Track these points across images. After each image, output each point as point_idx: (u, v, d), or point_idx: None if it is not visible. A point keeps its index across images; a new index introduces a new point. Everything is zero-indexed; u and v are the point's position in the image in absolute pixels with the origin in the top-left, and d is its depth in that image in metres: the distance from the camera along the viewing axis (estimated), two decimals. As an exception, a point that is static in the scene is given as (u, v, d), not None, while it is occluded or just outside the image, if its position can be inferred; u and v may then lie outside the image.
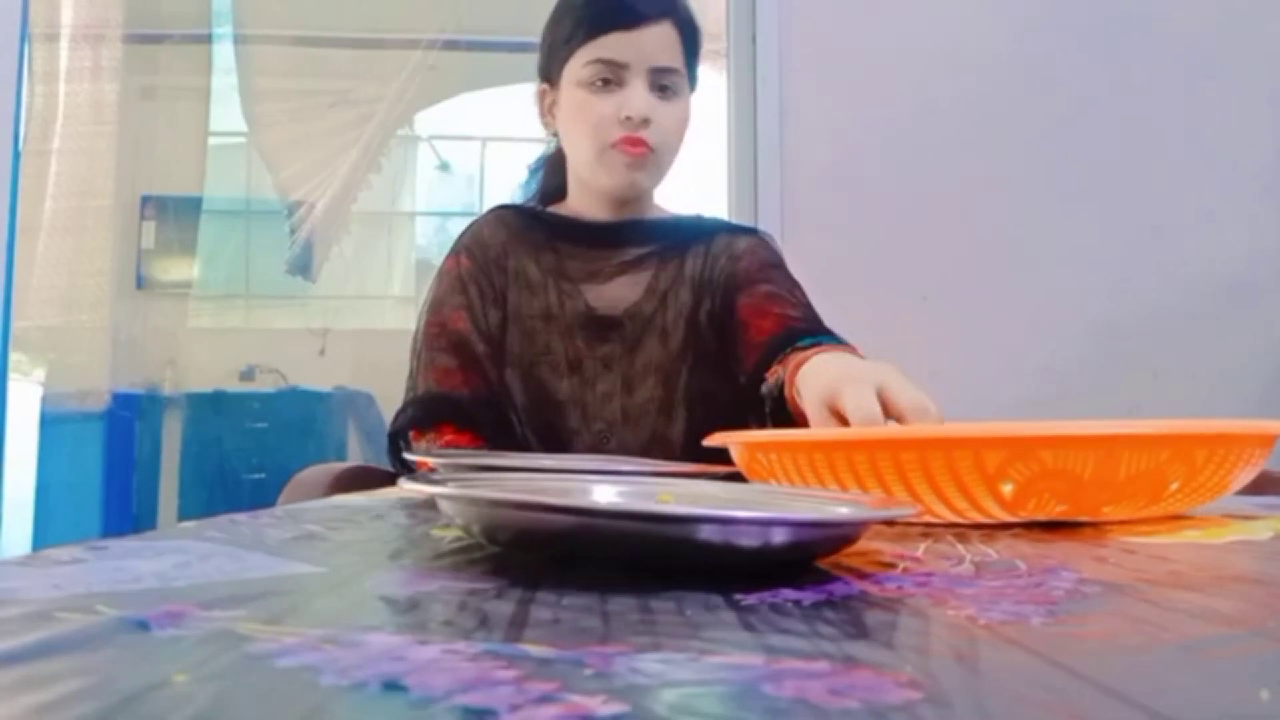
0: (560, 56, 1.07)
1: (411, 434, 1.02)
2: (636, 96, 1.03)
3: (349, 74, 3.32)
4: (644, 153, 1.04)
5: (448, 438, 1.01)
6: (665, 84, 1.05)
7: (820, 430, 0.70)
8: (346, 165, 3.22)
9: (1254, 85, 2.07)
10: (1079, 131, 2.06)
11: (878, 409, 0.65)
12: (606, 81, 1.04)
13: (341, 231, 3.36)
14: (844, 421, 0.68)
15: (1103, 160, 2.06)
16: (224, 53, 3.34)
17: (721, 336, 1.10)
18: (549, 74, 1.11)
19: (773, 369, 0.96)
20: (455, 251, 1.13)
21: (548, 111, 1.12)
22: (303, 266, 3.43)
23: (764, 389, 0.96)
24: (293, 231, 3.30)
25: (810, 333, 0.98)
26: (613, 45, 1.04)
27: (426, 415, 1.03)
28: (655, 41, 1.04)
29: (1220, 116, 2.07)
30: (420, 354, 1.08)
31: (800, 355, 0.88)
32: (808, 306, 1.06)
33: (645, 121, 1.03)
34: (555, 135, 1.14)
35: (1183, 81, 2.07)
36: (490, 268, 1.11)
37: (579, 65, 1.05)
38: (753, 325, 1.04)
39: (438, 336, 1.07)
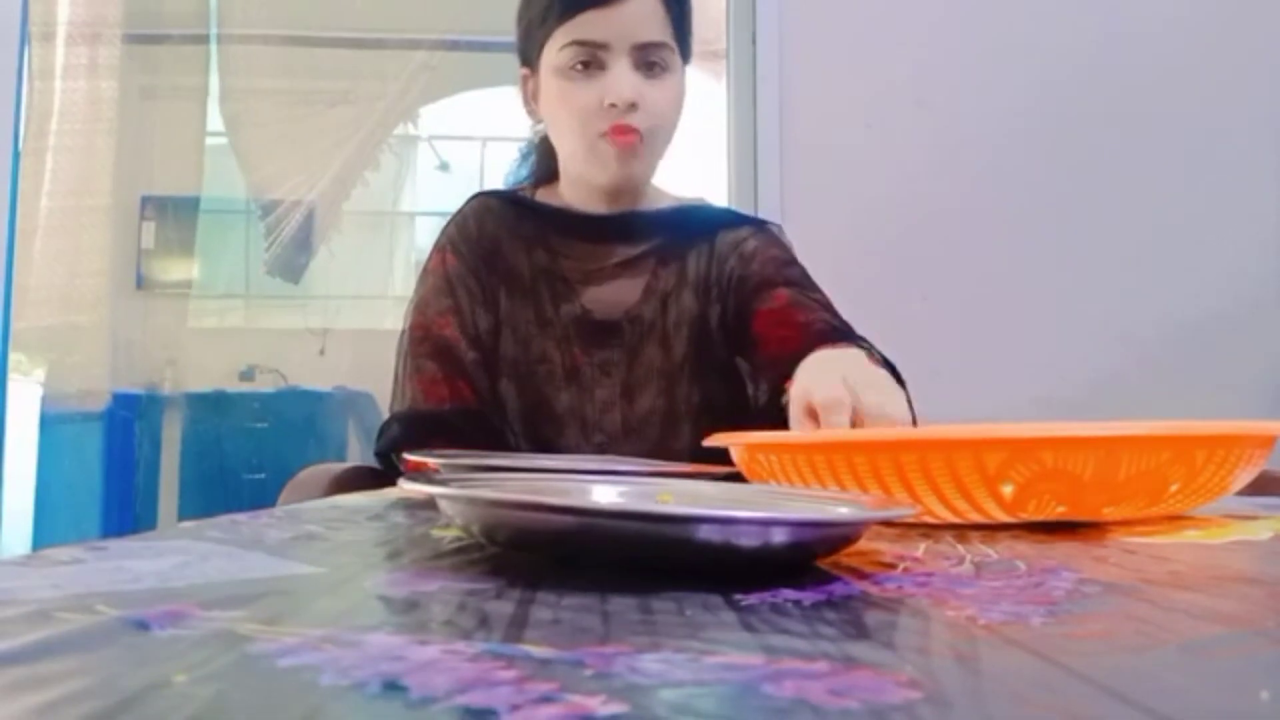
0: (536, 40, 0.99)
1: (399, 452, 0.96)
2: (620, 80, 0.94)
3: (347, 74, 3.32)
4: (634, 141, 0.96)
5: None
6: (652, 60, 0.96)
7: (820, 431, 0.70)
8: (339, 164, 3.21)
9: (1262, 97, 2.07)
10: (1081, 130, 2.06)
11: (845, 396, 0.66)
12: (586, 65, 0.95)
13: (332, 231, 3.35)
14: (816, 418, 0.68)
15: (1106, 158, 2.06)
16: (217, 52, 3.33)
17: (733, 345, 1.04)
18: (528, 58, 1.02)
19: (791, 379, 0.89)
20: (440, 247, 1.06)
21: (531, 98, 1.04)
22: (285, 267, 3.40)
23: (784, 401, 0.88)
24: (269, 232, 3.27)
25: (832, 342, 0.90)
26: (590, 24, 0.94)
27: (411, 435, 0.97)
28: (637, 16, 0.95)
29: (1230, 124, 2.07)
30: (405, 359, 1.01)
31: None
32: (828, 308, 0.99)
33: (632, 106, 0.95)
34: (540, 122, 1.07)
35: (1193, 88, 2.07)
36: (479, 266, 1.04)
37: (556, 49, 0.96)
38: (773, 338, 0.97)
39: (422, 341, 1.01)
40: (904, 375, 0.87)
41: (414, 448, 0.92)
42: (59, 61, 2.95)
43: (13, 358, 2.21)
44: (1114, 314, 2.02)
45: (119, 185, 3.13)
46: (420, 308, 1.03)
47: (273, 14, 3.24)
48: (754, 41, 2.05)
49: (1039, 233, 2.04)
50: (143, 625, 0.25)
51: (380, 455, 1.00)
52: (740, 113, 2.06)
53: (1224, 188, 2.05)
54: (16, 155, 2.02)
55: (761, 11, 2.04)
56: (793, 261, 1.05)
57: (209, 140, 3.50)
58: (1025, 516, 0.52)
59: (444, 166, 4.13)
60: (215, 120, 3.41)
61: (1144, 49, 2.07)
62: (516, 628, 0.26)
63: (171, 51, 3.47)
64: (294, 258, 3.39)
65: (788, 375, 0.89)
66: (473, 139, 4.04)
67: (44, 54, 2.91)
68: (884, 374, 0.72)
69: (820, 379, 0.69)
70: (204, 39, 3.31)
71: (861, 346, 0.90)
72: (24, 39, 2.12)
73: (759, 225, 1.11)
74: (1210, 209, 2.05)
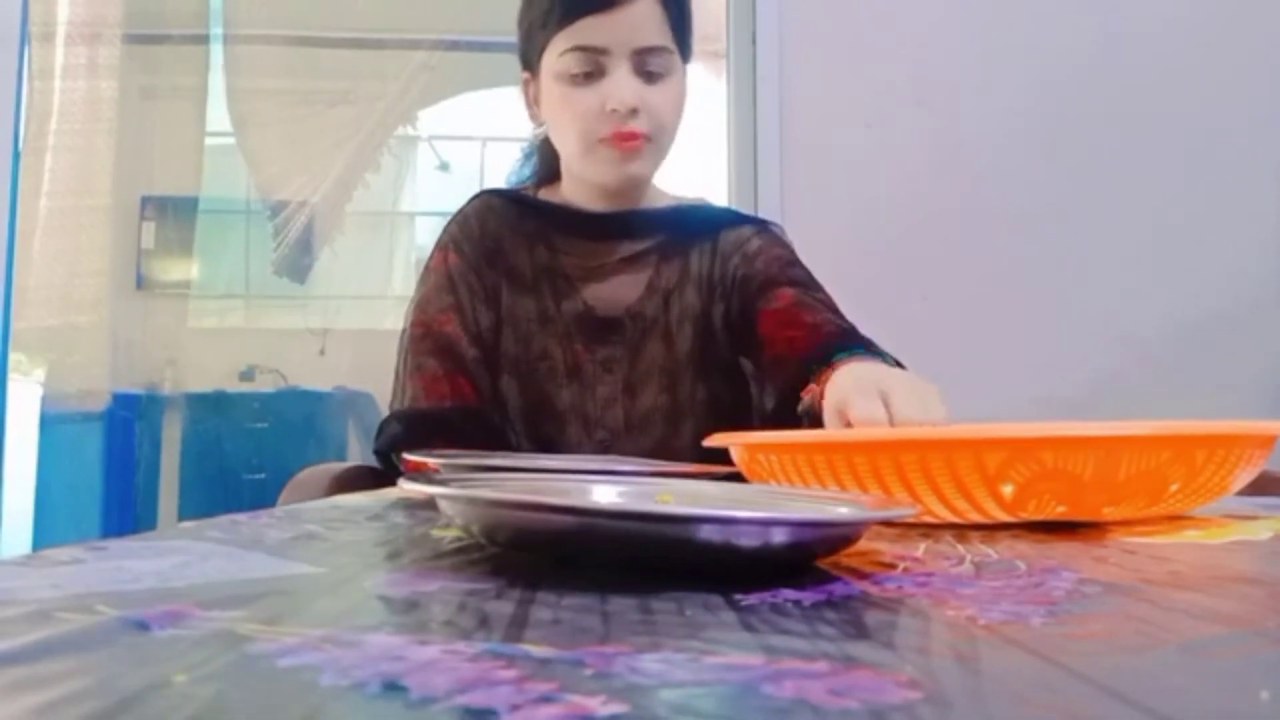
0: (536, 44, 0.99)
1: (399, 450, 0.95)
2: (620, 85, 0.94)
3: (347, 74, 3.32)
4: (637, 145, 0.96)
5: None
6: (652, 66, 0.96)
7: (820, 431, 0.70)
8: (341, 165, 3.21)
9: (1262, 97, 2.07)
10: (1081, 130, 2.06)
11: (882, 416, 0.64)
12: (588, 74, 0.95)
13: (335, 232, 3.35)
14: None
15: (1106, 158, 2.05)
16: (223, 53, 3.33)
17: (737, 345, 1.04)
18: (529, 62, 1.02)
19: (808, 387, 0.87)
20: (442, 245, 1.06)
21: (533, 101, 1.04)
22: (291, 267, 3.41)
23: (800, 408, 0.89)
24: (277, 232, 3.28)
25: (844, 346, 0.89)
26: (589, 30, 0.94)
27: (411, 433, 0.96)
28: (636, 20, 0.94)
29: (1230, 124, 2.07)
30: (406, 356, 1.01)
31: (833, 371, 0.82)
32: (833, 308, 0.99)
33: (633, 111, 0.95)
34: (542, 125, 1.07)
35: (1194, 84, 2.07)
36: (481, 264, 1.04)
37: (556, 55, 0.96)
38: (780, 339, 0.97)
39: (423, 339, 1.00)
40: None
41: (414, 446, 0.91)
42: (59, 61, 2.95)
43: (13, 358, 2.21)
44: (1114, 314, 2.02)
45: (119, 185, 3.13)
46: (421, 305, 1.03)
47: (273, 14, 3.24)
48: (754, 41, 2.05)
49: (1039, 233, 2.04)
50: (143, 625, 0.25)
51: (379, 453, 1.00)
52: (740, 113, 2.06)
53: (1224, 188, 2.05)
54: (16, 155, 2.02)
55: (761, 11, 2.04)
56: (796, 261, 1.05)
57: (208, 140, 3.50)
58: (1025, 516, 0.52)
59: (444, 167, 4.13)
60: (215, 120, 3.41)
61: (1144, 49, 2.07)
62: (516, 628, 0.26)
63: (171, 51, 3.47)
64: (299, 258, 3.39)
65: (797, 379, 0.89)
66: (473, 139, 4.05)
67: (44, 54, 2.90)
68: (918, 380, 0.71)
69: (857, 397, 0.68)
70: (204, 39, 3.31)
71: (874, 352, 0.90)
72: (24, 39, 2.11)
73: (761, 225, 1.11)
74: (1210, 209, 2.05)
